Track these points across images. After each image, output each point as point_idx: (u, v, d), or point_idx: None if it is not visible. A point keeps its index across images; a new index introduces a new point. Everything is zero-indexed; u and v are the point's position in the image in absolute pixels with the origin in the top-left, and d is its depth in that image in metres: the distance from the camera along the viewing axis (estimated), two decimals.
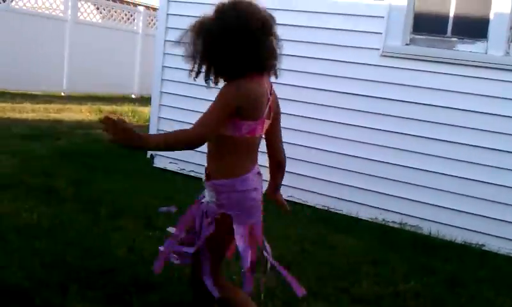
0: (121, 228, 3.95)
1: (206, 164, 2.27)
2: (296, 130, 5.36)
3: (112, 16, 13.78)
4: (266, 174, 2.45)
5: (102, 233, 3.79)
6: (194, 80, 2.17)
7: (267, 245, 2.39)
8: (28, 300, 2.70)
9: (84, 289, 2.91)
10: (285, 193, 5.35)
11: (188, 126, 2.06)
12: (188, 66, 2.16)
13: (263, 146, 2.34)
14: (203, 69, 2.15)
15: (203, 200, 2.29)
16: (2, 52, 10.78)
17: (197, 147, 2.09)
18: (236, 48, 2.07)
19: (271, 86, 2.26)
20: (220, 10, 2.13)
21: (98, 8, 13.64)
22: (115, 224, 3.98)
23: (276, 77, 2.23)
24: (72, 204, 4.37)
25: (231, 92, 2.09)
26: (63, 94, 12.22)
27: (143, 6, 15.92)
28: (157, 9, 15.80)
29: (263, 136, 2.32)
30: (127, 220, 4.13)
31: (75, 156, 6.10)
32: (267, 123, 2.25)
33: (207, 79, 2.16)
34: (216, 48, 2.10)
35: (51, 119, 8.64)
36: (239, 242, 2.18)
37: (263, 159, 2.39)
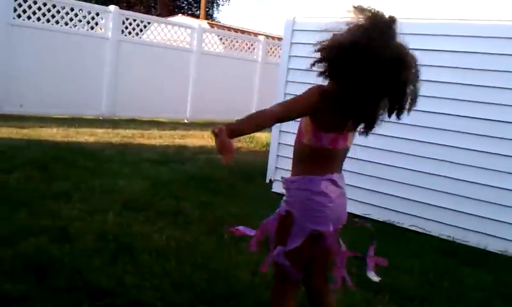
0: (245, 252, 4.03)
1: None
2: (420, 156, 5.26)
3: (234, 46, 14.29)
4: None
5: (226, 256, 3.89)
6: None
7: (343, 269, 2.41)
8: None
9: None
10: (409, 221, 5.31)
11: None
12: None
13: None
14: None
15: None
16: (134, 82, 11.59)
17: (269, 125, 2.20)
18: (359, 72, 2.03)
19: None
20: (368, 32, 2.08)
21: (221, 39, 14.22)
22: (238, 247, 4.08)
23: (399, 118, 2.19)
24: (197, 227, 4.54)
25: (314, 91, 2.17)
26: (186, 121, 12.84)
27: (263, 35, 16.35)
28: (276, 38, 16.38)
29: (349, 147, 2.31)
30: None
31: (200, 180, 6.36)
32: (351, 135, 2.27)
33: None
34: (343, 64, 2.08)
35: (176, 145, 9.09)
36: (289, 243, 2.22)
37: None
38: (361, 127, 2.23)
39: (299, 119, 2.29)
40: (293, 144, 2.35)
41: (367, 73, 2.02)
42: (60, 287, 3.06)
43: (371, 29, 2.06)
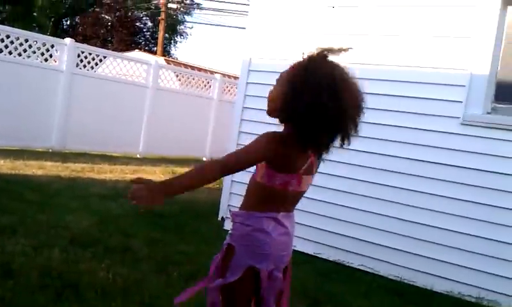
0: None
1: None
2: (369, 197, 5.37)
3: (190, 83, 14.35)
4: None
5: (175, 294, 3.81)
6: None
7: None
8: None
9: None
10: (356, 261, 5.39)
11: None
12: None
13: None
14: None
15: None
16: (86, 115, 11.44)
17: (216, 176, 2.09)
18: (307, 110, 2.05)
19: None
20: (305, 66, 2.13)
21: (177, 75, 14.26)
22: (188, 285, 4.00)
23: (348, 144, 2.20)
24: (146, 264, 4.47)
25: (263, 142, 2.10)
26: (138, 156, 12.71)
27: (219, 73, 16.50)
28: (232, 76, 16.56)
29: (303, 191, 2.28)
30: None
31: (150, 216, 6.27)
32: (306, 178, 2.22)
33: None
34: (292, 106, 2.09)
35: (127, 180, 8.96)
36: (227, 277, 2.19)
37: None
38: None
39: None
40: (247, 182, 2.33)
41: (311, 107, 2.04)
42: None
43: (308, 65, 2.13)
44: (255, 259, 2.20)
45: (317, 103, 2.04)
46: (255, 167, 2.24)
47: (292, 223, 2.33)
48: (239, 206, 2.33)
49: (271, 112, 2.21)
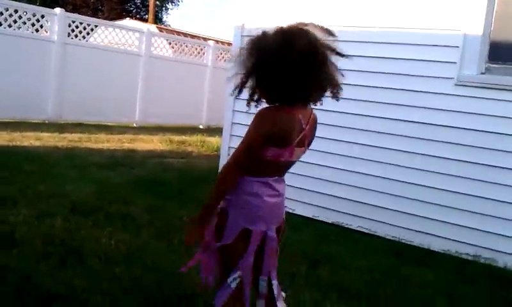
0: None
1: None
2: (366, 159, 5.43)
3: (183, 51, 14.26)
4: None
5: (176, 258, 3.89)
6: (237, 96, 2.27)
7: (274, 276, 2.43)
8: None
9: None
10: (354, 223, 5.46)
11: None
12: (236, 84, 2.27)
13: None
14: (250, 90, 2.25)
15: None
16: (81, 85, 11.38)
17: (236, 175, 2.24)
18: (276, 74, 2.14)
19: (310, 115, 2.31)
20: (273, 33, 2.23)
21: (170, 43, 14.16)
22: (189, 250, 4.07)
23: (337, 100, 2.26)
24: (147, 231, 4.53)
25: (261, 124, 2.18)
26: (135, 125, 12.71)
27: (212, 40, 16.37)
28: (226, 43, 16.45)
29: (295, 161, 2.36)
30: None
31: (149, 184, 6.32)
32: (298, 150, 2.30)
33: (250, 99, 2.25)
34: (259, 70, 2.20)
35: (125, 149, 8.99)
36: (223, 239, 2.29)
37: None
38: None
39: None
40: None
41: (281, 73, 2.13)
42: (8, 292, 3.00)
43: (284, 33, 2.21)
44: (248, 222, 2.28)
45: (285, 55, 2.11)
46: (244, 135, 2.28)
47: (283, 186, 2.40)
48: None
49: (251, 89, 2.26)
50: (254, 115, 2.20)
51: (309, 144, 2.38)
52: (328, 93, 2.25)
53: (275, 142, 2.19)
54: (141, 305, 3.09)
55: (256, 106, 2.27)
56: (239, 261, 2.31)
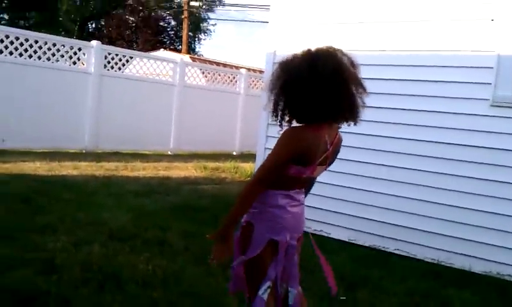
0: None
1: None
2: (403, 182, 5.36)
3: (216, 79, 14.44)
4: None
5: (214, 283, 3.90)
6: (275, 120, 2.33)
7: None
8: None
9: None
10: (392, 246, 5.37)
11: None
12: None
13: None
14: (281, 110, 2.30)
15: None
16: (117, 115, 11.62)
17: (259, 192, 2.30)
18: (302, 93, 2.21)
19: (336, 135, 2.38)
20: (301, 54, 2.29)
21: (203, 72, 14.37)
22: (226, 274, 4.08)
23: (355, 124, 2.32)
24: (183, 257, 4.55)
25: (285, 145, 2.25)
26: (169, 153, 12.86)
27: (245, 68, 16.55)
28: (258, 70, 16.59)
29: (315, 178, 2.45)
30: None
31: (184, 210, 6.37)
32: (320, 168, 2.38)
33: (282, 119, 2.31)
34: (288, 91, 2.26)
35: (160, 176, 9.09)
36: (249, 252, 2.35)
37: None
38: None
39: None
40: None
41: (314, 91, 2.19)
42: None
43: (312, 56, 2.27)
44: (273, 233, 2.36)
45: (313, 80, 2.18)
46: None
47: (302, 197, 2.47)
48: None
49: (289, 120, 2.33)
50: (280, 134, 2.26)
51: (330, 164, 2.46)
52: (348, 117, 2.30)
53: (299, 161, 2.26)
54: None
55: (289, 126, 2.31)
56: (267, 271, 2.37)
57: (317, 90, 2.18)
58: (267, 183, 2.30)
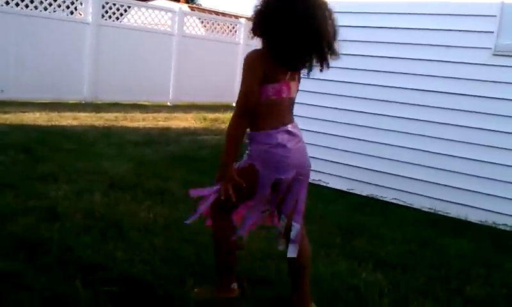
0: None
1: None
2: (401, 132, 5.37)
3: (215, 29, 14.27)
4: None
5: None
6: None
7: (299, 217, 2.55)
8: (151, 291, 2.91)
9: (200, 282, 3.07)
10: (389, 196, 5.43)
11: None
12: None
13: None
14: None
15: None
16: (115, 66, 11.54)
17: (243, 126, 2.38)
18: (275, 27, 2.30)
19: None
20: None
21: (202, 22, 14.18)
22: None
23: (328, 68, 2.37)
24: (185, 205, 4.58)
25: (250, 65, 2.37)
26: (169, 104, 12.83)
27: (244, 17, 16.32)
28: None
29: (293, 98, 2.52)
30: None
31: (185, 160, 6.41)
32: (293, 84, 2.47)
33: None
34: (264, 23, 2.37)
35: (160, 127, 9.11)
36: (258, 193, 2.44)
37: None
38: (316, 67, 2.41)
39: None
40: None
41: (284, 26, 2.27)
42: (51, 263, 3.10)
43: None
44: (279, 173, 2.41)
45: (289, 23, 2.26)
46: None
47: (299, 131, 2.52)
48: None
49: (252, 31, 2.46)
50: (243, 62, 2.39)
51: (299, 79, 2.55)
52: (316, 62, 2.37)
53: (269, 78, 2.34)
54: (181, 275, 3.16)
55: None
56: (256, 194, 2.49)
57: (287, 30, 2.26)
58: (248, 113, 2.35)
